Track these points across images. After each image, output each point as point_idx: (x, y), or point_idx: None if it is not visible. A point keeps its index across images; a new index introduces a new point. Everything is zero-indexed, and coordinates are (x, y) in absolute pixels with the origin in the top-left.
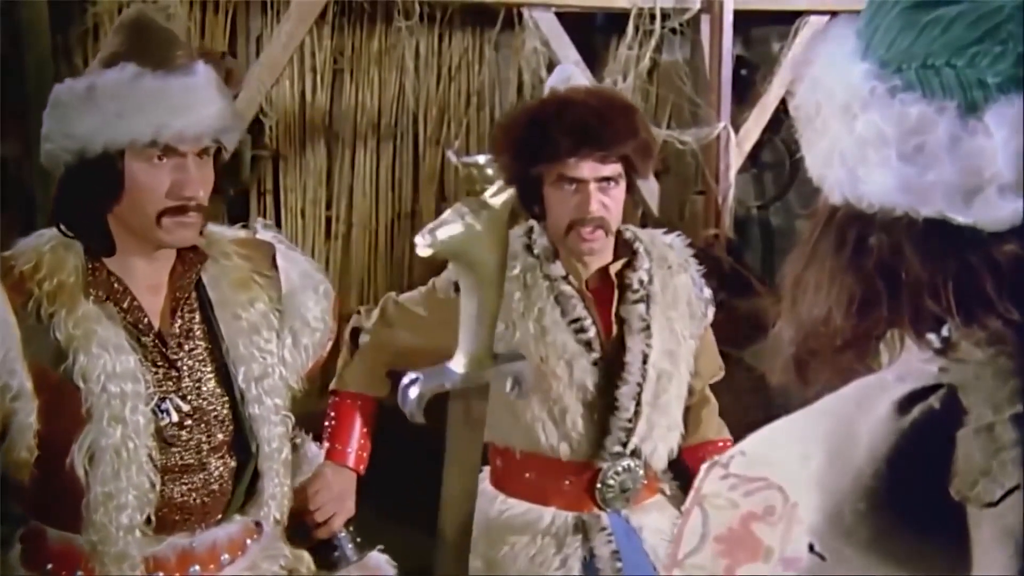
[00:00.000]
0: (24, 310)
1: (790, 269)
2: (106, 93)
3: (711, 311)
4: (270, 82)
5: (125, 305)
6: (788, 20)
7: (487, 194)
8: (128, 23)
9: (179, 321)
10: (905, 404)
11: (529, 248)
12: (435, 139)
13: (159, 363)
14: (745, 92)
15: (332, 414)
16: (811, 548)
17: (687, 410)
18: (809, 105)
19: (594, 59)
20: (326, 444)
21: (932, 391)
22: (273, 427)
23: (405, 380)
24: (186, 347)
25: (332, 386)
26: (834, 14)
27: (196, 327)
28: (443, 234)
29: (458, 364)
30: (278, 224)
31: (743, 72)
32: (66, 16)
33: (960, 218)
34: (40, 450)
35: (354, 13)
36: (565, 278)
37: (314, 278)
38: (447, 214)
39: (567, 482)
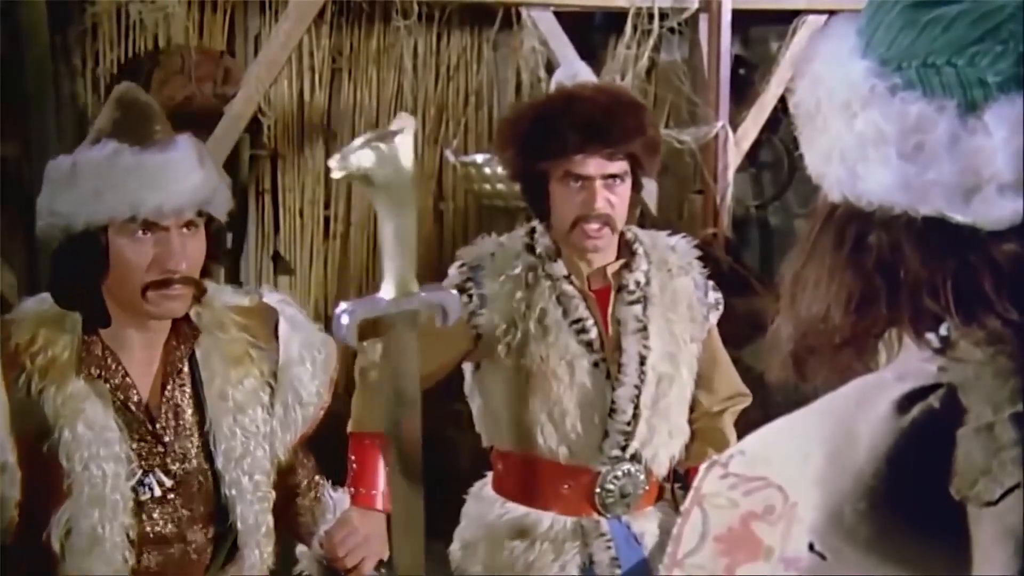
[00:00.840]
0: (16, 384)
1: (789, 266)
2: (86, 171)
3: (714, 315)
4: (268, 81)
5: (116, 382)
6: (786, 19)
7: (393, 125)
8: (114, 100)
9: (168, 395)
10: (905, 403)
11: (531, 248)
12: (433, 138)
13: (146, 437)
14: (743, 91)
15: (353, 457)
16: (811, 547)
17: (698, 433)
18: (809, 102)
19: (592, 58)
20: (350, 489)
21: (932, 390)
22: (250, 505)
23: (337, 310)
24: (173, 422)
25: (349, 429)
26: (832, 13)
27: (185, 401)
28: (355, 159)
29: (386, 291)
30: (276, 224)
31: (741, 71)
32: (65, 16)
33: (959, 217)
34: (20, 518)
35: (352, 12)
36: (567, 278)
37: (314, 348)
38: (356, 142)
39: (566, 486)
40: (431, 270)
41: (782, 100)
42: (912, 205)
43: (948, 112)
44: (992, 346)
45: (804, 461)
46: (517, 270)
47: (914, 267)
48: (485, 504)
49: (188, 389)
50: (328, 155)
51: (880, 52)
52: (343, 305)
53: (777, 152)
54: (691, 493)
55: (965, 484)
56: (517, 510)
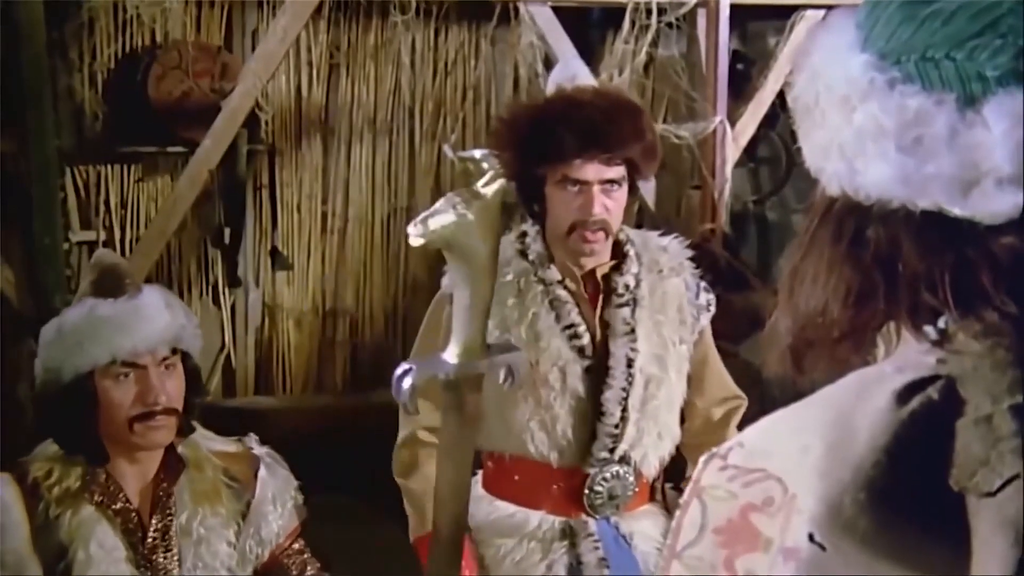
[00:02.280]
0: (36, 512)
1: (788, 260)
2: (69, 328)
3: (705, 317)
4: (266, 77)
5: (118, 506)
6: (784, 14)
7: (478, 184)
8: (91, 265)
9: (157, 523)
10: (904, 395)
11: (523, 253)
12: (431, 134)
13: (142, 558)
14: (741, 87)
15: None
16: (811, 538)
17: (703, 446)
18: (808, 96)
19: (590, 54)
20: None
21: (930, 382)
22: None
23: (399, 371)
24: (162, 547)
25: (412, 536)
26: (830, 8)
27: (171, 528)
28: (435, 223)
29: (451, 354)
30: (274, 219)
31: (739, 67)
32: (62, 11)
33: (957, 211)
34: None
35: (350, 8)
36: (560, 282)
37: (287, 494)
38: (439, 204)
39: (555, 487)
40: (428, 268)
41: (780, 95)
42: (911, 199)
43: (947, 106)
44: (990, 338)
45: (803, 453)
46: (509, 276)
47: (912, 261)
48: (474, 503)
49: (173, 518)
50: (326, 150)
51: (879, 46)
52: (404, 365)
53: (775, 148)
54: (690, 485)
55: (964, 475)
56: (506, 509)
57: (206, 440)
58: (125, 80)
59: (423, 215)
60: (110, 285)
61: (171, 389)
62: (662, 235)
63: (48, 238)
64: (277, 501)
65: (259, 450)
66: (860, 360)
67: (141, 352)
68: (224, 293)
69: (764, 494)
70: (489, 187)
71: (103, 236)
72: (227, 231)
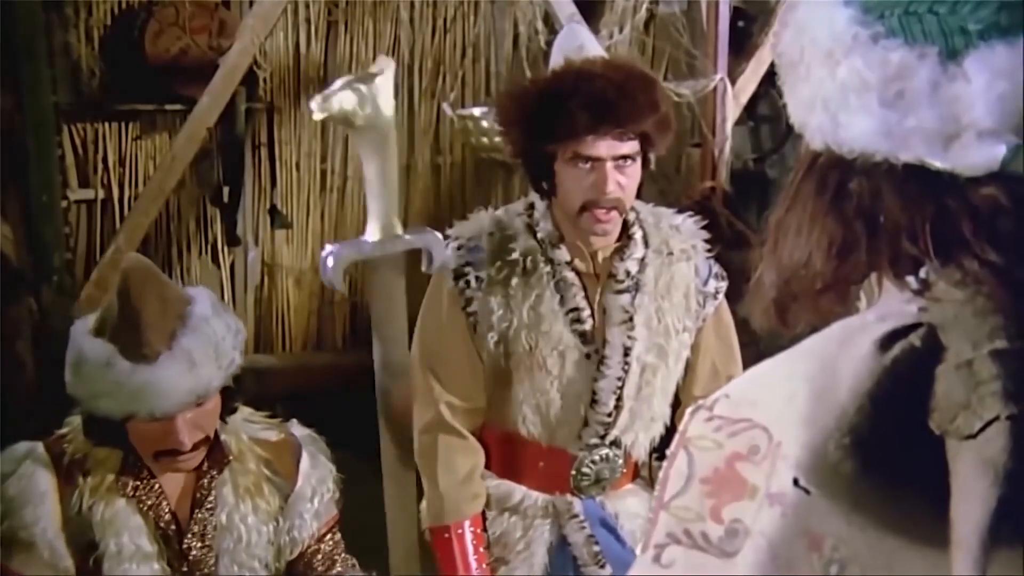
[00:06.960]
0: (70, 501)
1: (772, 214)
2: (86, 368)
3: (711, 305)
4: (264, 33)
5: (151, 502)
6: None
7: (372, 67)
8: (121, 286)
9: (197, 517)
10: (886, 342)
11: (531, 229)
12: (430, 91)
13: (176, 555)
14: (742, 44)
15: (439, 555)
16: (796, 483)
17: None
18: (792, 51)
19: (590, 10)
20: None
21: (912, 329)
22: None
23: (323, 253)
24: (199, 542)
25: (427, 524)
26: None
27: (210, 523)
28: (337, 100)
29: (371, 234)
30: (273, 178)
31: (740, 24)
32: None
33: (938, 163)
34: None
35: None
36: (569, 263)
37: (325, 485)
38: (337, 84)
39: (541, 464)
40: (429, 223)
41: None
42: (893, 152)
43: (929, 59)
44: (971, 286)
45: (789, 401)
46: (515, 254)
47: (894, 212)
48: None
49: (213, 513)
50: None
51: (863, 0)
52: (328, 248)
53: (775, 105)
54: (677, 436)
55: (945, 419)
56: (490, 480)
57: (247, 425)
58: (122, 37)
59: (323, 93)
60: (130, 342)
61: (202, 423)
62: (676, 213)
63: (46, 195)
64: (315, 496)
65: (300, 434)
66: (843, 312)
67: (159, 416)
68: (223, 252)
69: (750, 443)
70: (384, 74)
71: (101, 194)
72: (226, 189)
